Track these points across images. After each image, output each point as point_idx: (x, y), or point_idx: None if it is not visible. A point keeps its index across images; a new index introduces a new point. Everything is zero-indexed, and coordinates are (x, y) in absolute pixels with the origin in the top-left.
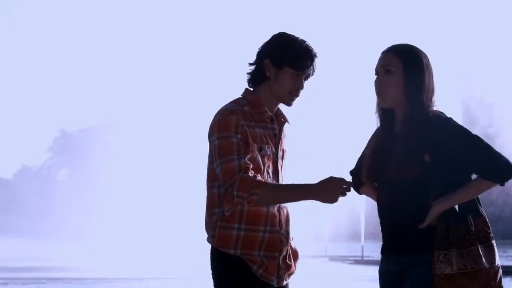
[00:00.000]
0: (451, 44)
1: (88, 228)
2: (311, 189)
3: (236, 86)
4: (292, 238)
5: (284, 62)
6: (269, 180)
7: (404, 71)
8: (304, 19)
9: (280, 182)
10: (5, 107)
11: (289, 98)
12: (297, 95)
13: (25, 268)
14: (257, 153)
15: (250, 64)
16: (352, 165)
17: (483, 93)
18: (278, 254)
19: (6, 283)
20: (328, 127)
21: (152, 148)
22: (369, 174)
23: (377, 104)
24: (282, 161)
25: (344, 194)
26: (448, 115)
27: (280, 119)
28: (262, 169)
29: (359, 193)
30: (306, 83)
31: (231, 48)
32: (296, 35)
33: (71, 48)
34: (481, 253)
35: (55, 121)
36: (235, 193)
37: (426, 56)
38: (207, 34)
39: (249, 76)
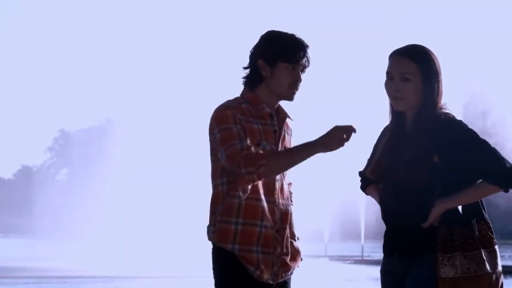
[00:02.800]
0: (452, 44)
1: (88, 228)
2: (315, 143)
3: (235, 85)
4: (298, 238)
5: (277, 58)
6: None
7: (422, 78)
8: (306, 18)
9: (282, 179)
10: (5, 107)
11: (290, 92)
12: (296, 88)
13: (18, 268)
14: (254, 148)
15: (245, 68)
16: (361, 164)
17: (484, 93)
18: (272, 251)
19: None
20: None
21: (152, 148)
22: (375, 172)
23: (390, 105)
24: None
25: (348, 139)
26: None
27: (281, 116)
28: None
29: (366, 193)
30: (313, 82)
31: (230, 47)
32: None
33: (71, 48)
34: (485, 257)
35: (55, 121)
36: (243, 170)
37: (435, 56)
38: (206, 34)
39: (245, 79)
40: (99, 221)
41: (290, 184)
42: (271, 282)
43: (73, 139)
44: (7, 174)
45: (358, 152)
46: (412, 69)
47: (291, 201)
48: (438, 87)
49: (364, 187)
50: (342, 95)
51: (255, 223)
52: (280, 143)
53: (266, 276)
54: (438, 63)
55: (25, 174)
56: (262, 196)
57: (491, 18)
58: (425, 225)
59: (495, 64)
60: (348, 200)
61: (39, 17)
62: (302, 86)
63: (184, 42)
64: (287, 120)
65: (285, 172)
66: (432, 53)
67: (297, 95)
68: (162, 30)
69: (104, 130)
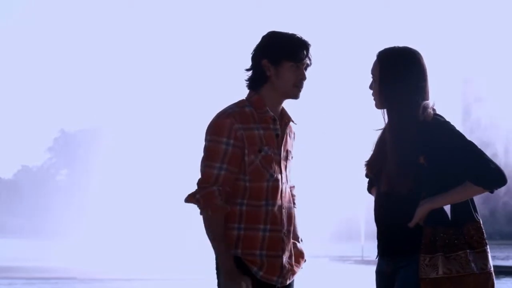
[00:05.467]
0: (453, 46)
1: (87, 228)
2: (221, 267)
3: (234, 87)
4: (301, 240)
5: (281, 57)
6: (272, 180)
7: (379, 77)
8: (308, 19)
9: (283, 182)
10: (5, 107)
11: (295, 91)
12: (301, 86)
13: (14, 268)
14: (255, 155)
15: (247, 69)
16: (361, 165)
17: (485, 95)
18: (281, 253)
19: None
20: (339, 127)
21: (151, 148)
22: (371, 173)
23: None
24: (286, 162)
25: None
26: (448, 117)
27: (285, 120)
28: (262, 171)
29: (372, 195)
30: (314, 83)
31: (230, 51)
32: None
33: (71, 49)
34: (470, 258)
35: (55, 121)
36: (198, 196)
37: (411, 58)
38: (205, 37)
39: (248, 81)
40: (99, 222)
41: (293, 187)
42: (279, 285)
43: (73, 139)
44: (7, 174)
45: (358, 152)
46: (375, 69)
47: (294, 203)
48: (404, 87)
49: (369, 188)
50: (342, 95)
51: (257, 228)
52: (282, 147)
53: (273, 278)
54: (411, 63)
55: (25, 174)
56: (264, 201)
57: (493, 19)
58: (411, 224)
59: (497, 65)
60: (348, 200)
61: (39, 17)
62: (305, 88)
63: (183, 45)
64: (291, 123)
65: (288, 175)
66: (407, 54)
67: (301, 95)
68: (160, 30)
69: (104, 130)
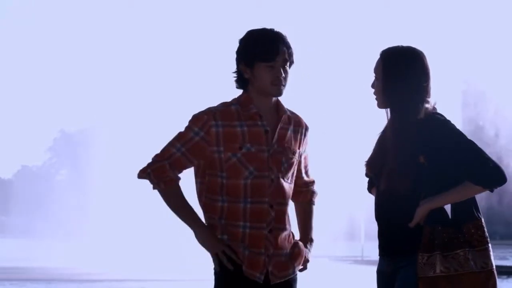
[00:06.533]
0: (453, 45)
1: (87, 229)
2: (196, 229)
3: (231, 87)
4: (312, 241)
5: (254, 59)
6: (251, 177)
7: (382, 76)
8: (309, 19)
9: (273, 179)
10: (5, 107)
11: (274, 89)
12: (280, 84)
13: (14, 268)
14: (233, 152)
15: (233, 73)
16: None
17: (485, 94)
18: (264, 251)
19: None
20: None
21: (151, 148)
22: (370, 172)
23: None
24: (281, 157)
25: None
26: (448, 116)
27: (280, 114)
28: (240, 168)
29: (372, 194)
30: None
31: (228, 52)
32: (264, 27)
33: (71, 49)
34: (469, 257)
35: (55, 121)
36: (149, 170)
37: (414, 58)
38: (202, 39)
39: (236, 84)
40: (98, 222)
41: (312, 182)
42: (261, 282)
43: (73, 140)
44: (7, 174)
45: (359, 152)
46: (378, 68)
47: (312, 201)
48: (405, 85)
49: (370, 188)
50: (343, 95)
51: (237, 224)
52: (276, 142)
53: (255, 274)
54: (413, 62)
55: (25, 174)
56: (242, 199)
57: (494, 18)
58: (411, 224)
59: (497, 64)
60: (348, 200)
61: (39, 18)
62: (305, 88)
63: (182, 44)
64: (301, 118)
65: (286, 171)
66: (409, 52)
67: (301, 96)
68: (159, 32)
69: (104, 130)
